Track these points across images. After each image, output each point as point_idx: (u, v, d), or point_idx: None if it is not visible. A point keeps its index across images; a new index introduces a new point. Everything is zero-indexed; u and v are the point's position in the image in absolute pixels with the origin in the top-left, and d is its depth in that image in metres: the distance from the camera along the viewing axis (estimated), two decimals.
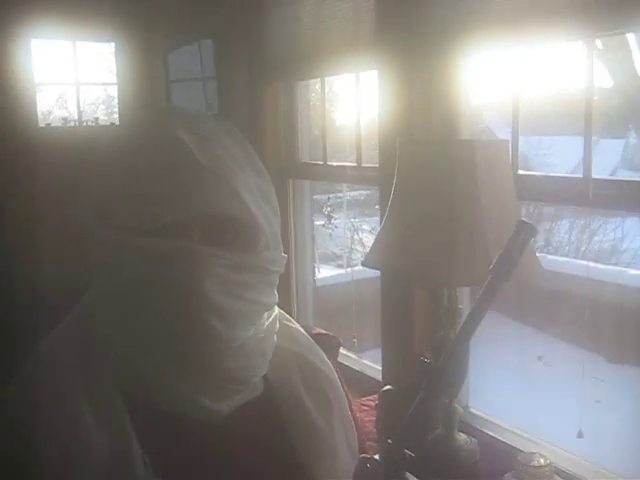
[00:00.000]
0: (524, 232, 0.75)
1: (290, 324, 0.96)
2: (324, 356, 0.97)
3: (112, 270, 0.78)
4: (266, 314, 0.89)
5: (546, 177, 1.81)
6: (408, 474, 0.76)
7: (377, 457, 0.76)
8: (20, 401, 0.79)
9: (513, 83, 1.87)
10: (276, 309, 0.93)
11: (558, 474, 1.60)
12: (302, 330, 0.97)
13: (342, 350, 2.50)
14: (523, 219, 0.77)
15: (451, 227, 1.48)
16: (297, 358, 0.92)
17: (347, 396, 0.98)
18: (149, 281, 0.75)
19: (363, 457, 0.78)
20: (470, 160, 1.48)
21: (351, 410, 0.97)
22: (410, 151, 1.63)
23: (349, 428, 0.94)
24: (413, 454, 0.76)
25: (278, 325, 0.92)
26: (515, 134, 1.88)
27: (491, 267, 0.76)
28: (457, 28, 1.88)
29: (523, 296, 4.61)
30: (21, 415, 0.77)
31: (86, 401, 0.77)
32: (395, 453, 0.75)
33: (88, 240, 0.79)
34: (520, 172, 1.83)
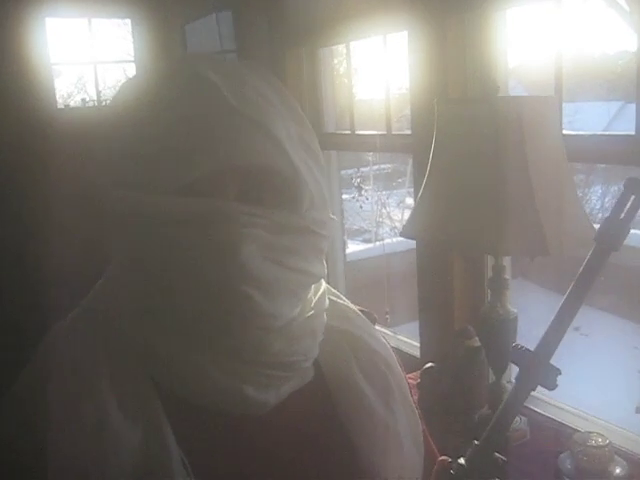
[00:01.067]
0: (635, 192, 0.62)
1: (339, 301, 0.84)
2: (379, 335, 0.85)
3: (133, 238, 0.66)
4: (313, 288, 0.77)
5: (594, 136, 1.68)
6: None
7: (462, 461, 0.65)
8: (34, 393, 0.67)
9: (556, 42, 1.74)
10: (324, 284, 0.81)
11: (618, 454, 1.49)
12: (352, 307, 0.85)
13: (377, 327, 2.42)
14: (633, 177, 0.64)
15: (498, 191, 1.37)
16: (350, 338, 0.80)
17: (406, 379, 0.86)
18: (176, 248, 0.63)
19: (443, 460, 0.68)
20: (517, 118, 1.36)
21: (411, 394, 0.85)
22: (449, 111, 1.51)
23: (412, 416, 0.81)
24: (505, 458, 0.65)
25: (328, 302, 0.80)
26: (559, 92, 1.75)
27: (595, 235, 0.63)
28: None
29: (557, 265, 4.47)
30: (35, 410, 0.66)
31: (113, 393, 0.66)
32: (484, 457, 0.64)
33: (105, 206, 0.67)
34: (565, 132, 1.71)
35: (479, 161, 1.41)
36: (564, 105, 1.74)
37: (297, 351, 0.71)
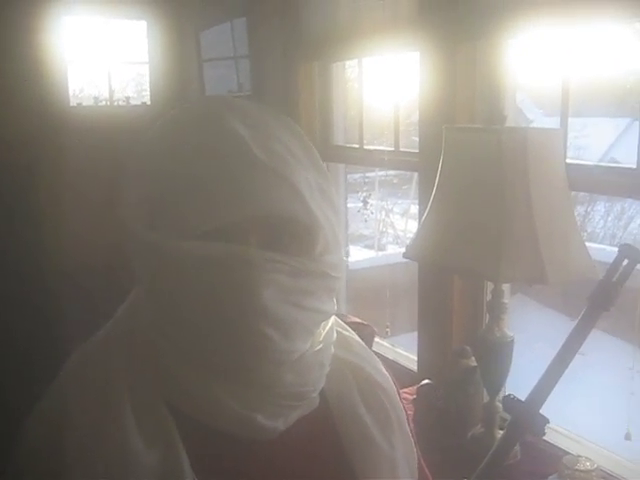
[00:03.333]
0: (627, 257, 0.66)
1: (345, 332, 0.89)
2: (382, 367, 0.90)
3: (160, 276, 0.71)
4: (323, 323, 0.81)
5: (598, 167, 1.73)
6: None
7: None
8: (59, 415, 0.72)
9: (562, 67, 1.78)
10: (332, 317, 0.85)
11: (605, 479, 1.54)
12: (358, 339, 0.90)
13: (376, 339, 2.46)
14: (627, 242, 0.68)
15: (500, 219, 1.41)
16: (353, 369, 0.85)
17: (405, 410, 0.91)
18: (201, 289, 0.68)
19: None
20: (521, 148, 1.41)
21: (409, 425, 0.90)
22: (457, 138, 1.56)
23: (408, 446, 0.86)
24: None
25: (335, 334, 0.84)
26: (564, 121, 1.79)
27: (589, 295, 0.68)
28: (501, 8, 1.79)
29: (557, 285, 4.52)
30: (60, 431, 0.70)
31: (133, 416, 0.71)
32: None
33: (135, 244, 0.72)
34: (569, 161, 1.75)
35: (483, 189, 1.45)
36: (572, 120, 1.78)
37: (307, 382, 0.76)
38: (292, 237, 0.72)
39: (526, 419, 0.69)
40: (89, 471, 0.68)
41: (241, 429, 0.73)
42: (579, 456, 1.56)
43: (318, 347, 0.78)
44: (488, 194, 1.44)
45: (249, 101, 0.76)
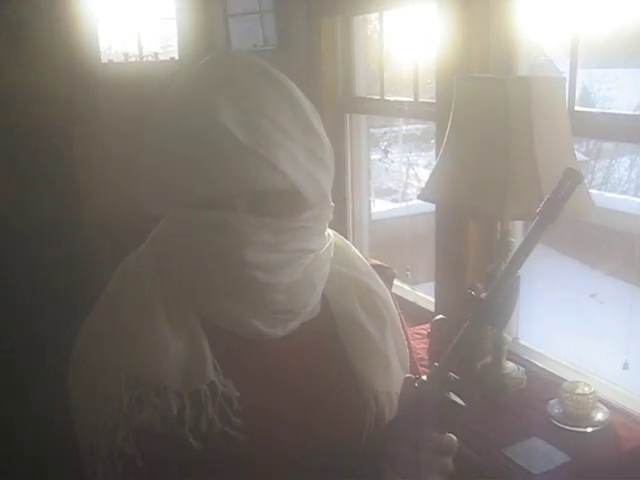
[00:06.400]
0: (571, 179, 0.79)
1: (348, 250, 1.03)
2: (379, 279, 1.03)
3: (171, 232, 0.90)
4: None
5: (604, 114, 1.82)
6: (452, 394, 0.83)
7: (424, 378, 0.84)
8: (106, 312, 0.91)
9: (573, 16, 1.86)
10: (332, 237, 0.99)
11: (602, 402, 1.67)
12: (360, 255, 1.04)
13: (396, 282, 2.59)
14: (570, 167, 0.81)
15: (505, 162, 1.52)
16: (354, 282, 0.99)
17: (400, 316, 1.05)
18: (198, 246, 0.86)
19: (408, 377, 0.86)
20: (525, 96, 1.51)
21: (404, 329, 1.04)
22: (466, 87, 1.66)
23: (401, 344, 1.01)
24: (457, 377, 0.83)
25: (332, 253, 0.98)
26: (573, 69, 1.87)
27: (538, 209, 0.81)
28: None
29: (578, 233, 4.58)
30: (108, 326, 0.89)
31: (164, 314, 0.87)
32: (441, 375, 0.83)
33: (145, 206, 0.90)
34: (577, 108, 1.84)
35: (490, 134, 1.56)
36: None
37: (297, 300, 0.91)
38: (276, 199, 0.86)
39: (485, 313, 0.82)
40: (130, 359, 0.85)
41: (245, 332, 0.89)
42: (578, 382, 1.69)
43: (309, 271, 0.92)
44: (494, 139, 1.55)
45: (250, 67, 0.87)
